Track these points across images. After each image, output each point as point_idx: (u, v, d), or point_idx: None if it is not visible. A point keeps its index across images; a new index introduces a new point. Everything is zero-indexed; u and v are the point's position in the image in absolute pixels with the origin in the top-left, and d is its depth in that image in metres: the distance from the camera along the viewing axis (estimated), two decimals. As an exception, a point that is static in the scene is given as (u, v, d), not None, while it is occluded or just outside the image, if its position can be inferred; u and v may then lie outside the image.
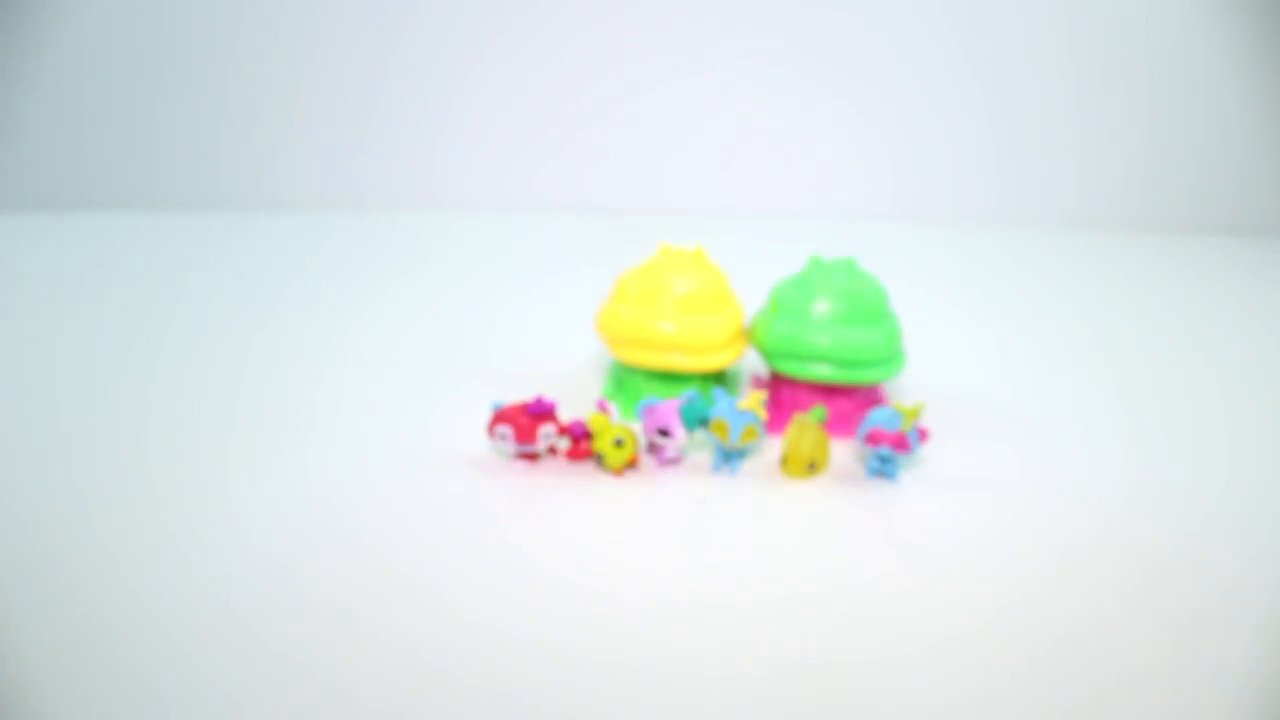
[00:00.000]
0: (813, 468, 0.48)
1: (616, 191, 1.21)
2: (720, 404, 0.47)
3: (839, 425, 0.52)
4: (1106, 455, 0.53)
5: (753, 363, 0.62)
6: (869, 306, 0.52)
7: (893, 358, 0.53)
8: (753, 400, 0.47)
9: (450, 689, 0.31)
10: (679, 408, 0.47)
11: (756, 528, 0.44)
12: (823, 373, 0.51)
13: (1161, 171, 1.20)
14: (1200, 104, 1.16)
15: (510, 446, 0.46)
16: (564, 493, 0.45)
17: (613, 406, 0.49)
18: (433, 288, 0.86)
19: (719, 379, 0.56)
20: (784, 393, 0.54)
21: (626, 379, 0.55)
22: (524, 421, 0.46)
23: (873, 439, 0.47)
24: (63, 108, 1.12)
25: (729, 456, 0.49)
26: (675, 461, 0.49)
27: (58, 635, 0.33)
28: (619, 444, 0.46)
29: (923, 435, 0.48)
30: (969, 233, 1.14)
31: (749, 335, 0.54)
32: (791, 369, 0.52)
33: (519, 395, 0.53)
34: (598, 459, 0.47)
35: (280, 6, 1.11)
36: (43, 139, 1.13)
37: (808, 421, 0.48)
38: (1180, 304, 0.88)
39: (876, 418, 0.47)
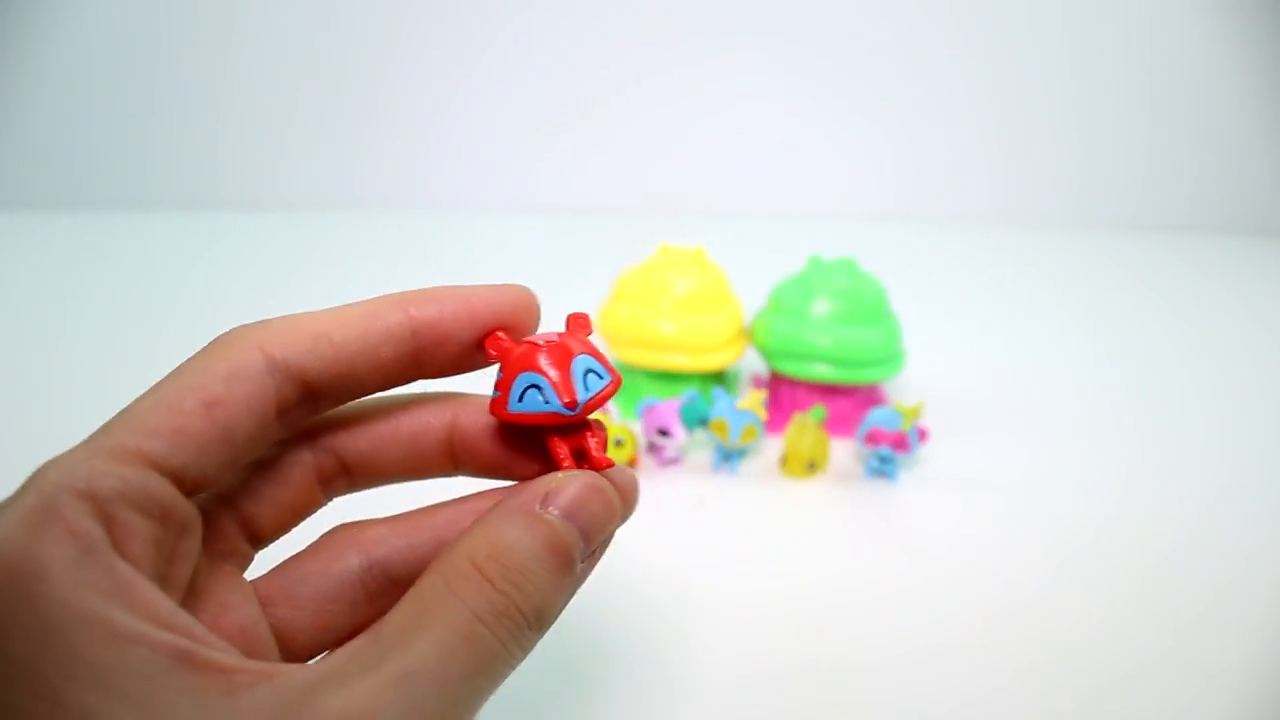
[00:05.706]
0: (812, 467, 0.48)
1: (617, 191, 1.21)
2: (720, 404, 0.47)
3: (839, 425, 0.52)
4: (1106, 455, 0.53)
5: (753, 363, 0.62)
6: (869, 306, 0.52)
7: (893, 358, 0.53)
8: (752, 400, 0.47)
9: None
10: (679, 408, 0.47)
11: (756, 527, 0.44)
12: (822, 372, 0.51)
13: (1161, 171, 1.20)
14: (1200, 103, 1.16)
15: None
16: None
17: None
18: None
19: (719, 379, 0.56)
20: (784, 392, 0.54)
21: (626, 379, 0.55)
22: None
23: (872, 439, 0.47)
24: (62, 108, 1.12)
25: (729, 456, 0.49)
26: (675, 461, 0.49)
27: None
28: (619, 444, 0.46)
29: (922, 435, 0.48)
30: (969, 233, 1.14)
31: (749, 335, 0.54)
32: (791, 369, 0.52)
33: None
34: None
35: (279, 6, 1.11)
36: (42, 139, 1.13)
37: (807, 421, 0.48)
38: (1180, 303, 0.88)
39: (876, 417, 0.47)
